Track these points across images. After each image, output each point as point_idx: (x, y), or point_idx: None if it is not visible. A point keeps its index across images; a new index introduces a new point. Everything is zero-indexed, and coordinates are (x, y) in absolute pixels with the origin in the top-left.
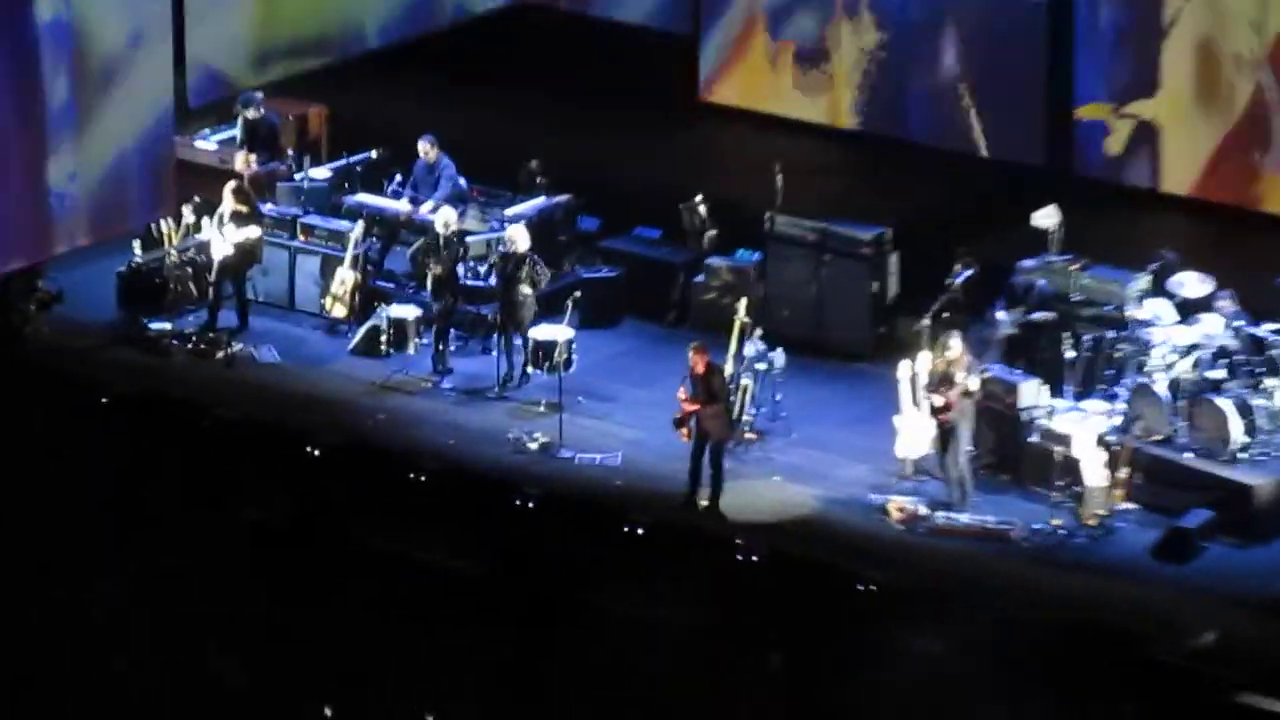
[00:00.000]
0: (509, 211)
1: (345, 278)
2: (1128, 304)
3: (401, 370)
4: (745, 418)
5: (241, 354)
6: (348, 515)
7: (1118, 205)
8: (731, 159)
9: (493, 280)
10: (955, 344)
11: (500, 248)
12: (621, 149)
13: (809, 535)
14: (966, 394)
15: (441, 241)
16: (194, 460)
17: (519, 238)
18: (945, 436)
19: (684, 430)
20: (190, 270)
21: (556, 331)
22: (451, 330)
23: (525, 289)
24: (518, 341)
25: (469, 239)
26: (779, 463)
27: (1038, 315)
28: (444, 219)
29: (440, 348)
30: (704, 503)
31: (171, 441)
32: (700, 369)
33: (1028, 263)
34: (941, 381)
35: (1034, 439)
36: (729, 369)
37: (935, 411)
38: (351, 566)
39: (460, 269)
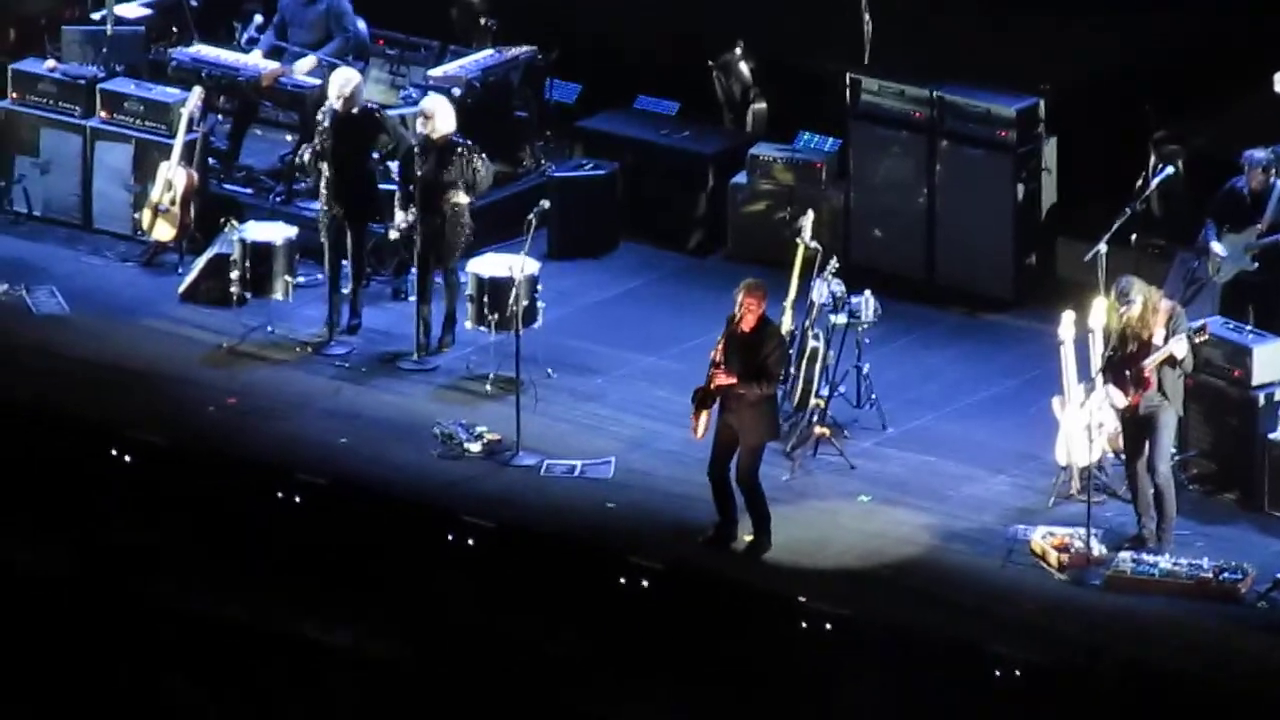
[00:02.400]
0: (435, 73)
1: (173, 179)
2: None
3: (264, 326)
4: (814, 402)
5: (4, 299)
6: (156, 565)
7: None
8: None
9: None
10: (1140, 288)
11: (413, 133)
12: None
13: (918, 590)
14: (1170, 363)
15: (336, 119)
16: None
17: (439, 114)
18: (1138, 433)
19: (699, 422)
20: None
21: (511, 264)
22: (346, 262)
23: (455, 197)
24: (440, 280)
25: (383, 113)
26: (868, 473)
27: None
28: (340, 84)
29: (340, 290)
30: (745, 538)
31: None
32: (749, 323)
33: (1259, 153)
34: (1126, 349)
35: (1277, 435)
36: (786, 323)
37: (1121, 394)
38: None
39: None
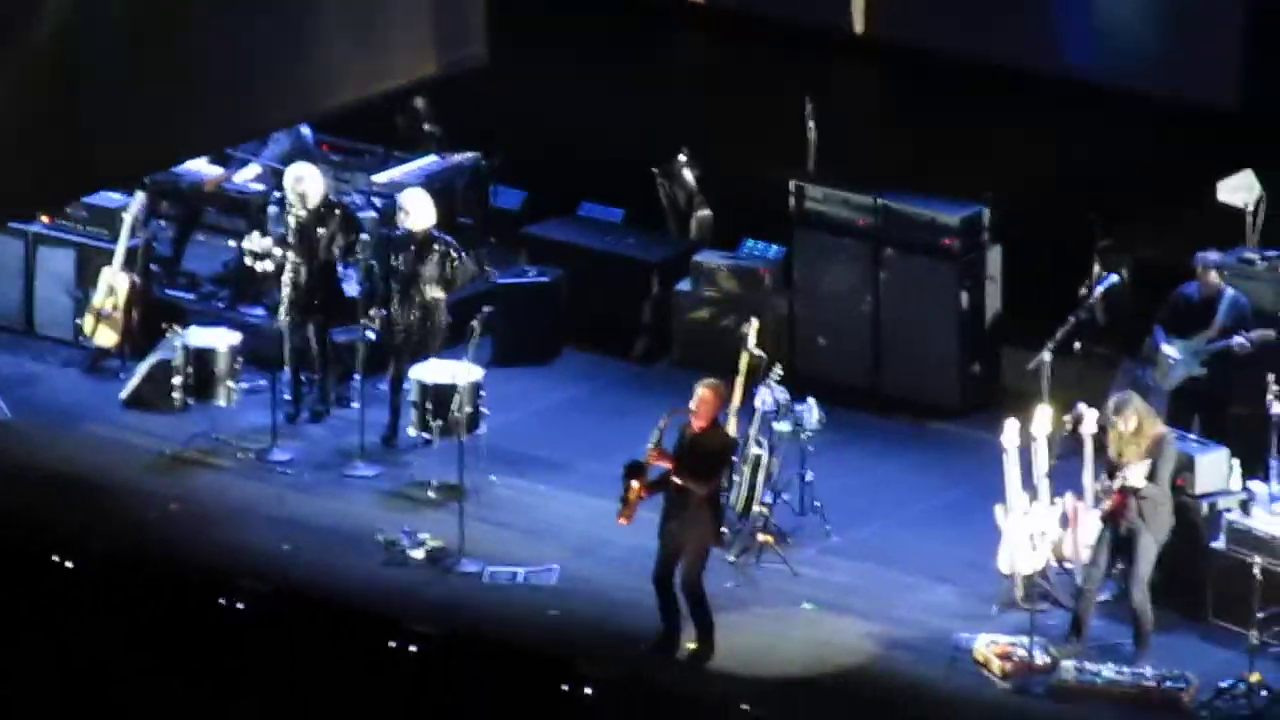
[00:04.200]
0: (379, 178)
1: (116, 284)
2: None
3: (206, 432)
4: (757, 509)
5: None
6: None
7: None
8: (734, 87)
9: (361, 284)
10: (1138, 408)
11: (386, 229)
12: (560, 74)
13: (863, 699)
14: (1134, 490)
15: (299, 214)
16: None
17: (417, 210)
18: (1114, 548)
19: (626, 510)
20: None
21: (454, 370)
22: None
23: (433, 291)
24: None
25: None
26: (812, 581)
27: (1233, 342)
28: (296, 177)
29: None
30: (689, 646)
31: None
32: (701, 422)
33: (1213, 255)
34: (1117, 463)
35: (1220, 545)
36: (731, 429)
37: (1107, 506)
38: None
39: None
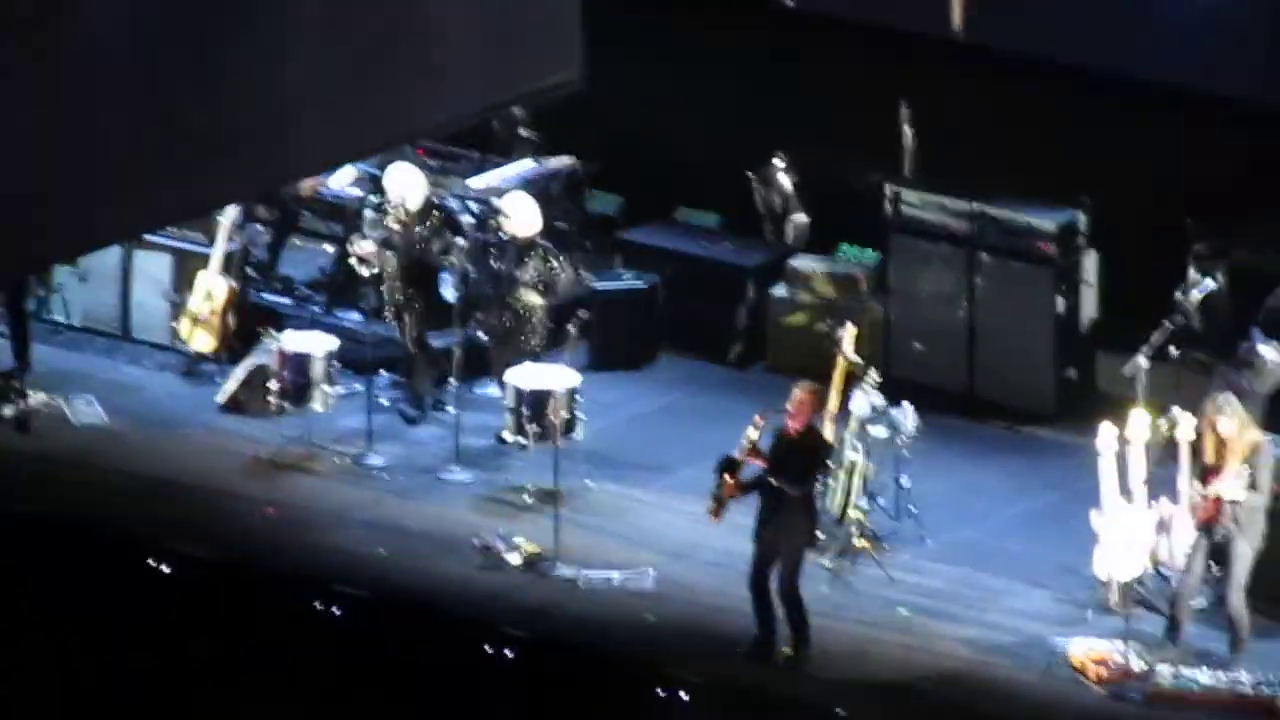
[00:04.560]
0: (475, 182)
1: (213, 288)
2: None
3: (302, 437)
4: (852, 514)
5: (44, 410)
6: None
7: None
8: (830, 91)
9: (458, 288)
10: (1231, 411)
11: (483, 233)
12: (656, 80)
13: (958, 705)
14: (1231, 498)
15: (401, 217)
16: None
17: (521, 214)
18: (1213, 550)
19: (717, 507)
20: None
21: (551, 376)
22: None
23: (531, 296)
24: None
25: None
26: (907, 586)
27: None
28: (399, 180)
29: (417, 393)
30: (785, 651)
31: None
32: (797, 424)
33: None
34: (1213, 465)
35: None
36: (827, 434)
37: (1203, 513)
38: None
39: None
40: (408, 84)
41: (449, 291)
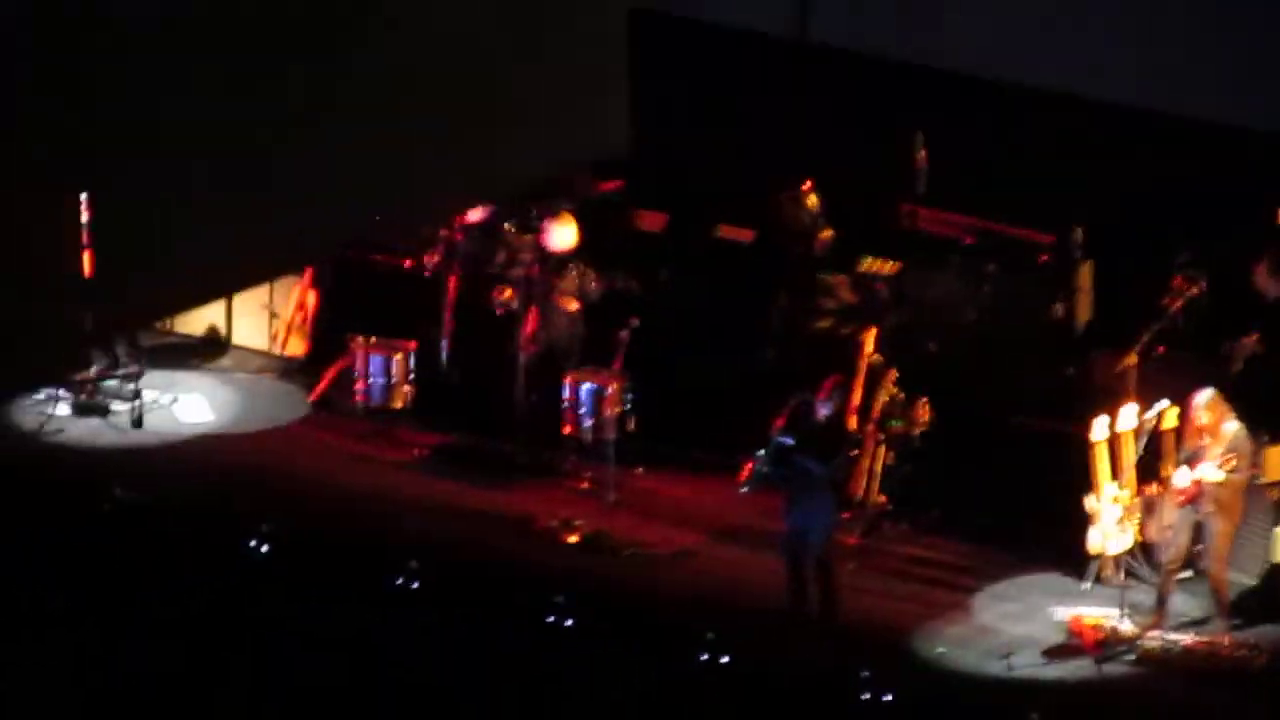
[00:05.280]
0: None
1: (305, 299)
2: None
3: (385, 431)
4: (876, 498)
5: (155, 408)
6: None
7: None
8: (851, 120)
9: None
10: (1214, 404)
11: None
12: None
13: (967, 669)
14: (1226, 478)
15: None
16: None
17: (559, 232)
18: (1196, 527)
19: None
20: None
21: None
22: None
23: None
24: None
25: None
26: (921, 560)
27: None
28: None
29: None
30: (814, 615)
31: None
32: (825, 410)
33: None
34: (1193, 452)
35: None
36: (851, 423)
37: (1186, 493)
38: None
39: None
40: (487, 153)
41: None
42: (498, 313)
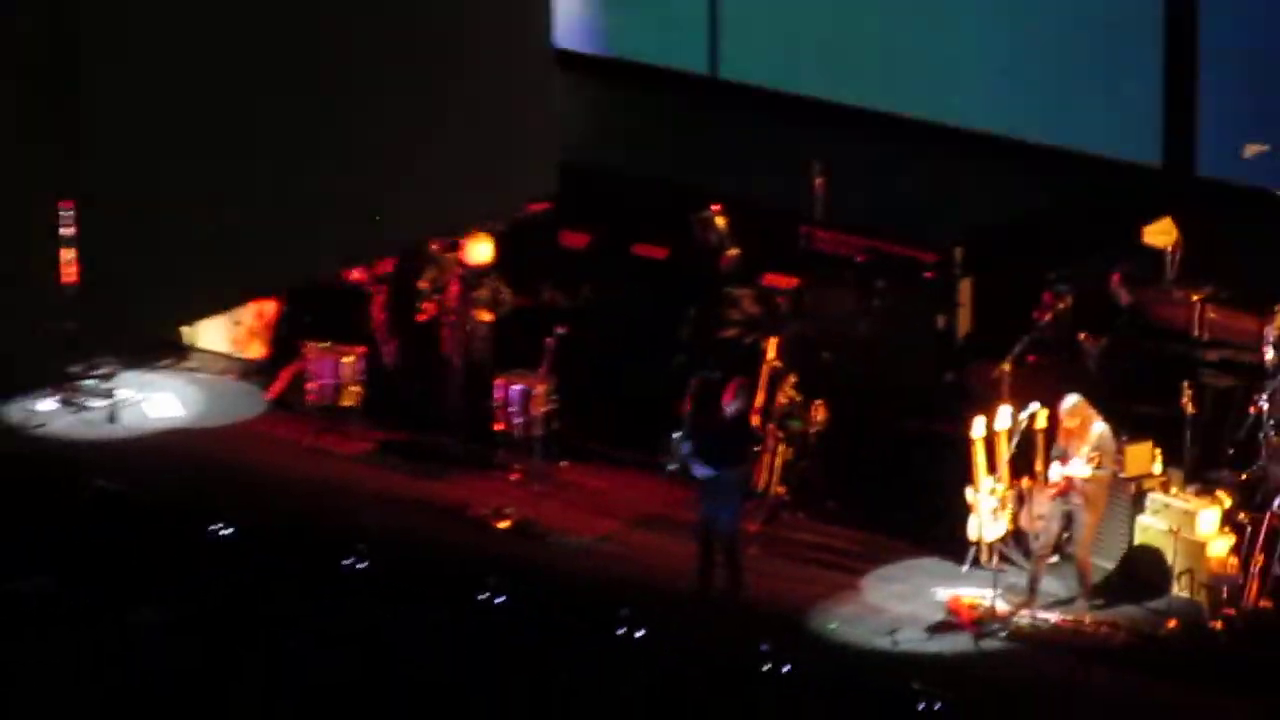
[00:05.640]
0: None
1: (263, 307)
2: (1269, 345)
3: (334, 428)
4: (776, 489)
5: (128, 404)
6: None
7: (1255, 215)
8: (754, 153)
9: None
10: (1080, 408)
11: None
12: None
13: (857, 642)
14: (1093, 474)
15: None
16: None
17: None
18: (1065, 517)
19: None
20: None
21: None
22: None
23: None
24: None
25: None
26: (816, 545)
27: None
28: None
29: None
30: (718, 590)
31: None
32: (730, 410)
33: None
34: (1063, 451)
35: (1145, 519)
36: (754, 421)
37: (1056, 486)
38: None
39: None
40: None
41: None
42: (421, 321)
